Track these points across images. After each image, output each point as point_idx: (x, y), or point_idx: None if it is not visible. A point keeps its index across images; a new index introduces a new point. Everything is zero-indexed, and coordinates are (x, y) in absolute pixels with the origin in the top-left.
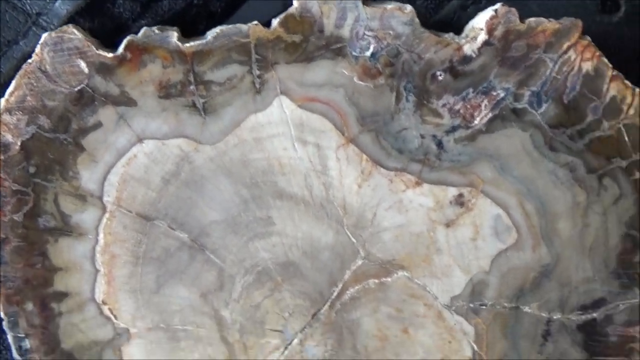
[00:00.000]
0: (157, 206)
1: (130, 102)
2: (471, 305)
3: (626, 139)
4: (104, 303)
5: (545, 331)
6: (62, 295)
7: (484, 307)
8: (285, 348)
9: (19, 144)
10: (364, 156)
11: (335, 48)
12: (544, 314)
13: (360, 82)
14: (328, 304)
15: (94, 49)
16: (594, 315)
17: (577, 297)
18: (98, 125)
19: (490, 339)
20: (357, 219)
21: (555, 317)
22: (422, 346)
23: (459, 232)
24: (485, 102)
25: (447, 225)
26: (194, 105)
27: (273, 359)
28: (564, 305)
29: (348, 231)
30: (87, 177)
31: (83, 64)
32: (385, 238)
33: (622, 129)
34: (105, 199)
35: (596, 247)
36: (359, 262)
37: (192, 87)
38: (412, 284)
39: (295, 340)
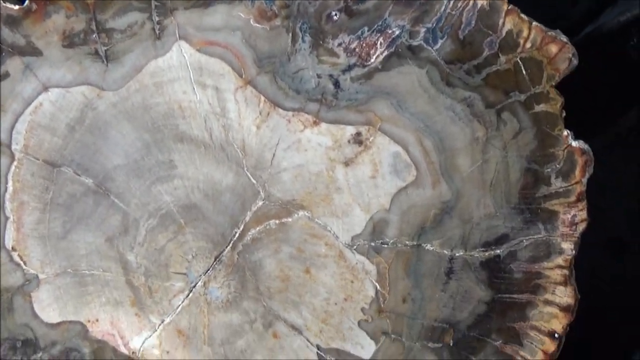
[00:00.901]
0: (63, 153)
1: (36, 52)
2: (372, 244)
3: (524, 72)
4: (14, 249)
5: (448, 269)
6: None
7: (385, 245)
8: (190, 291)
9: None
10: (262, 97)
11: None
12: (446, 252)
13: (257, 25)
14: (230, 245)
15: (1, 2)
16: (498, 252)
17: (480, 233)
18: (6, 75)
19: (393, 277)
20: (256, 160)
21: (457, 255)
22: (324, 286)
23: (358, 170)
24: (381, 40)
25: (346, 164)
26: (96, 53)
27: (177, 301)
28: (466, 242)
29: (248, 172)
30: None
31: None
32: (284, 178)
33: (519, 62)
34: (13, 147)
35: (497, 182)
36: (260, 203)
37: (94, 36)
38: (312, 223)
39: (199, 283)
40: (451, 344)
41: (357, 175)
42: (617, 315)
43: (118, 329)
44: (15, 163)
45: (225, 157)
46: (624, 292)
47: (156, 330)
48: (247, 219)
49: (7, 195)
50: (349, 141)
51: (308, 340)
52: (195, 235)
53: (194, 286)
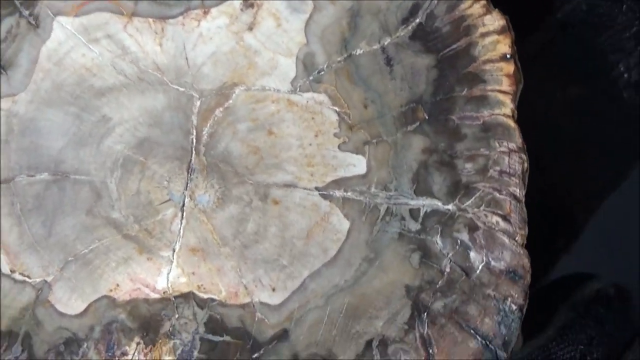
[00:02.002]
0: (9, 166)
1: None
2: (311, 78)
3: None
4: (12, 271)
5: (385, 59)
6: None
7: (322, 72)
8: (182, 211)
9: None
10: (150, 20)
11: None
12: (375, 46)
13: None
14: (193, 152)
15: None
16: (417, 20)
17: (394, 15)
18: None
19: (344, 94)
20: (174, 72)
21: (386, 43)
22: (292, 136)
23: (263, 27)
24: None
25: (250, 28)
26: None
27: (176, 226)
28: (387, 29)
29: (173, 85)
30: None
31: None
32: (206, 71)
33: None
34: None
35: None
36: (197, 103)
37: None
38: (251, 92)
39: (186, 200)
40: (426, 118)
41: (264, 32)
42: None
43: (139, 280)
44: None
45: (147, 85)
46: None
47: (172, 261)
48: (195, 122)
49: None
50: (241, 10)
51: (305, 189)
52: (159, 162)
53: (183, 205)
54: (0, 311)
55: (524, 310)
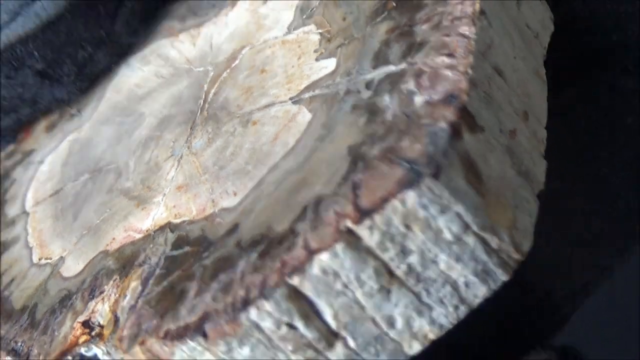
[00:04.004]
0: (61, 179)
1: (30, 153)
2: (304, 17)
3: None
4: (40, 259)
5: None
6: (8, 284)
7: (314, 9)
8: (178, 160)
9: None
10: (191, 30)
11: None
12: None
13: None
14: (199, 112)
15: None
16: None
17: None
18: (12, 182)
19: (329, 17)
20: (200, 58)
21: None
22: (279, 67)
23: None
24: None
25: (265, 1)
26: (71, 115)
27: (171, 174)
28: None
29: (197, 69)
30: (12, 210)
31: None
32: (224, 47)
33: None
34: (26, 208)
35: None
36: (211, 73)
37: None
38: (255, 48)
39: (184, 150)
40: (395, 5)
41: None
42: None
43: (131, 228)
44: (30, 216)
45: (177, 77)
46: None
47: (161, 204)
48: (206, 87)
49: (29, 237)
50: None
51: (281, 102)
52: (170, 130)
53: (181, 156)
54: (16, 294)
55: (461, 129)
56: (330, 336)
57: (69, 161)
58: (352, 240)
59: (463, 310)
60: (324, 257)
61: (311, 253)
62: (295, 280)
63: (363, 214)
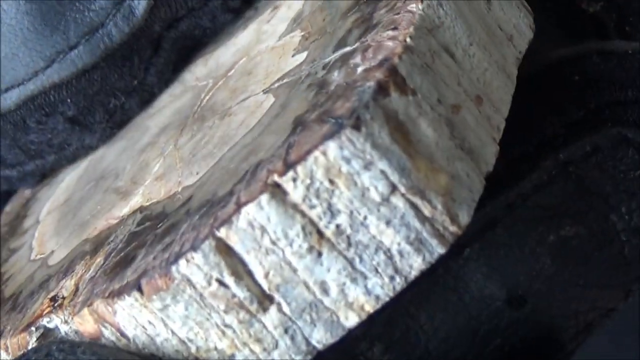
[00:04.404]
0: (72, 189)
1: None
2: (294, 25)
3: None
4: (36, 256)
5: None
6: (6, 280)
7: (304, 16)
8: (164, 157)
9: None
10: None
11: None
12: None
13: None
14: (191, 116)
15: None
16: None
17: None
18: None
19: (313, 21)
20: (207, 75)
21: None
22: (262, 69)
23: (278, 14)
24: None
25: (268, 21)
26: None
27: (154, 170)
28: None
29: (200, 83)
30: (28, 222)
31: None
32: (227, 62)
33: None
34: (39, 219)
35: None
36: (210, 84)
37: None
38: (249, 58)
39: (170, 147)
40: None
41: (278, 17)
42: None
43: (111, 217)
44: (40, 224)
45: (185, 92)
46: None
47: (139, 193)
48: (202, 96)
49: (33, 241)
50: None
51: (255, 95)
52: (165, 134)
53: (167, 153)
54: (9, 287)
55: (388, 87)
56: (264, 299)
57: (84, 175)
58: (277, 192)
59: (399, 282)
60: (250, 209)
61: (239, 206)
62: (222, 232)
63: (288, 166)
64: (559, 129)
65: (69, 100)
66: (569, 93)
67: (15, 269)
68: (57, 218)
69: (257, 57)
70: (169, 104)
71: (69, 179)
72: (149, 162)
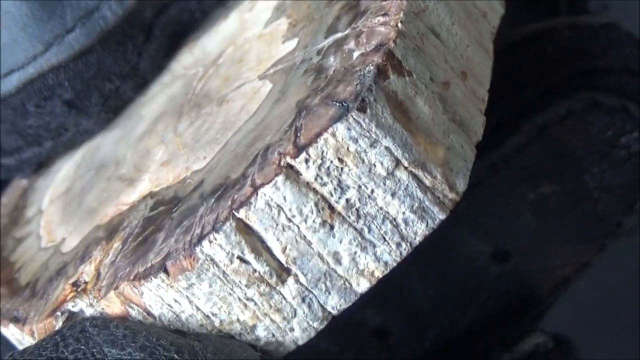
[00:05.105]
0: (72, 179)
1: None
2: (278, 12)
3: None
4: (47, 244)
5: None
6: (18, 269)
7: (287, 3)
8: (165, 144)
9: None
10: None
11: None
12: None
13: None
14: (186, 103)
15: None
16: None
17: None
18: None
19: (297, 8)
20: (195, 64)
21: None
22: (254, 56)
23: (258, 5)
24: None
25: (250, 9)
26: None
27: (157, 157)
28: None
29: (190, 71)
30: (30, 212)
31: None
32: (214, 51)
33: None
34: (42, 208)
35: None
36: (200, 72)
37: None
38: (237, 46)
39: (170, 134)
40: None
41: (259, 7)
42: None
43: (120, 203)
44: (44, 212)
45: (174, 81)
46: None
47: (146, 179)
48: (194, 84)
49: (40, 229)
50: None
51: (250, 81)
52: (162, 122)
53: (168, 139)
54: (23, 275)
55: (387, 70)
56: (282, 272)
57: (82, 164)
58: (291, 173)
59: (405, 248)
60: (267, 191)
61: (256, 188)
62: (241, 214)
63: (300, 149)
64: (535, 96)
65: (66, 83)
66: (544, 63)
67: (26, 257)
68: (61, 207)
69: (246, 45)
70: (160, 92)
71: (67, 168)
72: (149, 149)
